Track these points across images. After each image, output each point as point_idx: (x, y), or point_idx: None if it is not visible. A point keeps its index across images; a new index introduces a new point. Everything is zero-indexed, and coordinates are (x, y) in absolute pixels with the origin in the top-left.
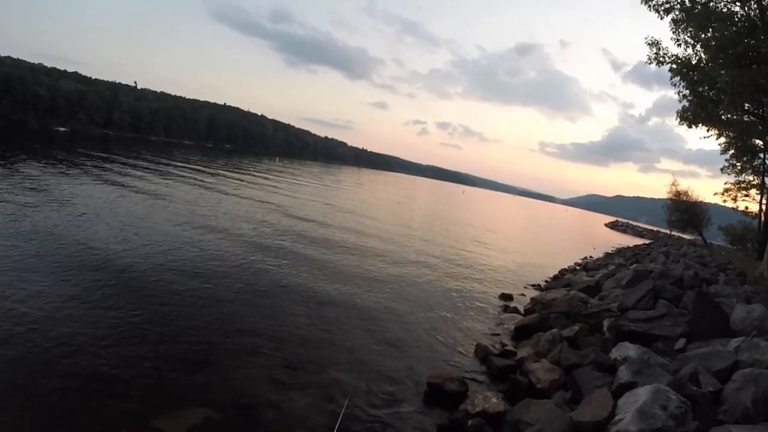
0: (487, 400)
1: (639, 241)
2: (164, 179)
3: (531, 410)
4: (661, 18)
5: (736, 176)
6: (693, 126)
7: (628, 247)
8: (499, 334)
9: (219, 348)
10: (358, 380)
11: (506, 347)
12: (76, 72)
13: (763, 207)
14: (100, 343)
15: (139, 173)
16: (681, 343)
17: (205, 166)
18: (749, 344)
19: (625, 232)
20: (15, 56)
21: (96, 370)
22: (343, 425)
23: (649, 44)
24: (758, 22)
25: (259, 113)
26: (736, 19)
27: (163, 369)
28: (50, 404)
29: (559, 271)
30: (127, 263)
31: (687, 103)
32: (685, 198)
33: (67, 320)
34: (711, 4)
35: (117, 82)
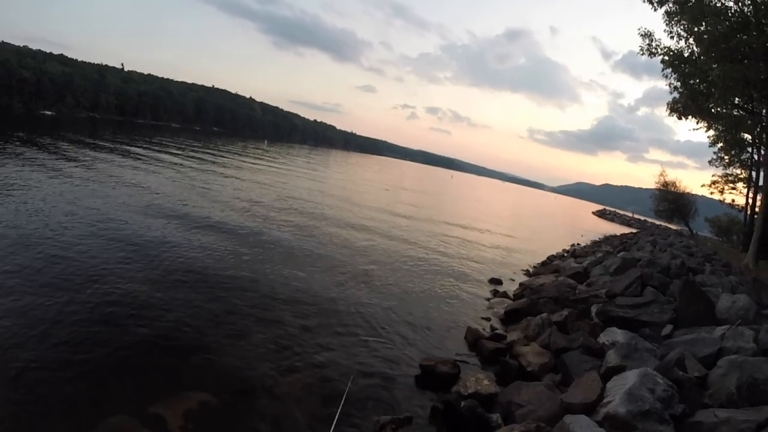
0: (479, 382)
1: (626, 230)
2: (151, 165)
3: (522, 392)
4: (655, 10)
5: (723, 169)
6: (683, 118)
7: (616, 236)
8: (489, 318)
9: (215, 333)
10: (351, 363)
11: (496, 331)
12: (62, 54)
13: (750, 200)
14: (95, 329)
15: (126, 159)
16: (668, 329)
17: (192, 151)
18: (734, 332)
19: (612, 220)
20: None
21: (92, 355)
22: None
23: (641, 35)
24: (751, 18)
25: (248, 96)
26: (730, 14)
27: (159, 354)
28: (46, 391)
29: (548, 258)
30: (120, 250)
31: (677, 95)
32: (672, 188)
33: (60, 306)
34: None
35: (103, 64)
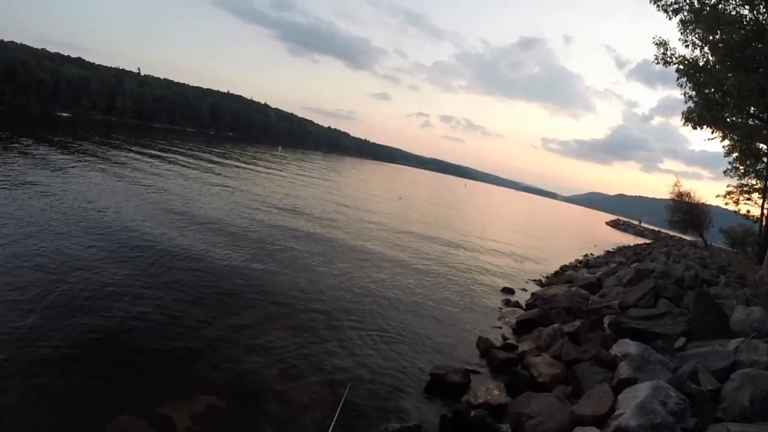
0: (489, 392)
1: (640, 241)
2: (169, 169)
3: (532, 403)
4: (670, 18)
5: (738, 179)
6: (698, 127)
7: (629, 246)
8: (500, 328)
9: (223, 336)
10: (360, 370)
11: (507, 341)
12: (79, 57)
13: (765, 211)
14: (105, 330)
15: (143, 161)
16: (681, 341)
17: (205, 159)
18: (748, 345)
19: (626, 231)
20: (18, 41)
21: (101, 356)
22: (345, 415)
23: (656, 44)
24: (767, 27)
25: (263, 102)
26: (745, 23)
27: (168, 356)
28: (55, 390)
29: (560, 267)
30: (131, 251)
31: (692, 105)
32: (687, 199)
33: (70, 306)
34: (720, 6)
35: (120, 68)
